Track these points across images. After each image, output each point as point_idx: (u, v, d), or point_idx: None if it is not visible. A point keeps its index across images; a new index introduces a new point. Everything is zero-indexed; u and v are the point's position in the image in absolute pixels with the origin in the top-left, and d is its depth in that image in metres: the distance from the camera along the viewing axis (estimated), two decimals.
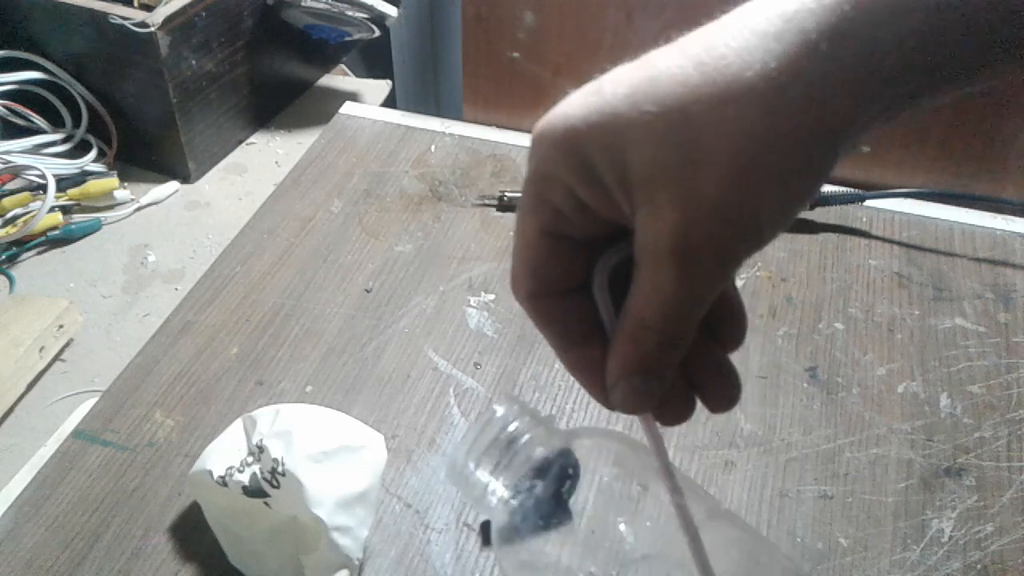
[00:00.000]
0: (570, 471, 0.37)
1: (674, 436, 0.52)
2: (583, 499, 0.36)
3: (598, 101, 0.25)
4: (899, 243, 0.66)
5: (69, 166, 0.75)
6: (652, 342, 0.26)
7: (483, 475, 0.38)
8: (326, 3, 0.79)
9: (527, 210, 0.27)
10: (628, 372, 0.27)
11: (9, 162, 0.72)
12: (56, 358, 0.61)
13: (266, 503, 0.44)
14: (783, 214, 0.25)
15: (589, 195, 0.25)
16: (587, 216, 0.26)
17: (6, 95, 0.75)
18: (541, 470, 0.38)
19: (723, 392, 0.29)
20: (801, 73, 0.23)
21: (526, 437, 0.38)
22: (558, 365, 0.56)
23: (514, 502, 0.37)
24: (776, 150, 0.23)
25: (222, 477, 0.44)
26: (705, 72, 0.23)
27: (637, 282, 0.26)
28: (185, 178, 0.78)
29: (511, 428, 0.38)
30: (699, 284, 0.25)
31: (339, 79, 0.94)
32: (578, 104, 0.25)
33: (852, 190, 0.67)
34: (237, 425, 0.48)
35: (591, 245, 0.28)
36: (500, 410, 0.39)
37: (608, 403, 0.29)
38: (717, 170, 0.23)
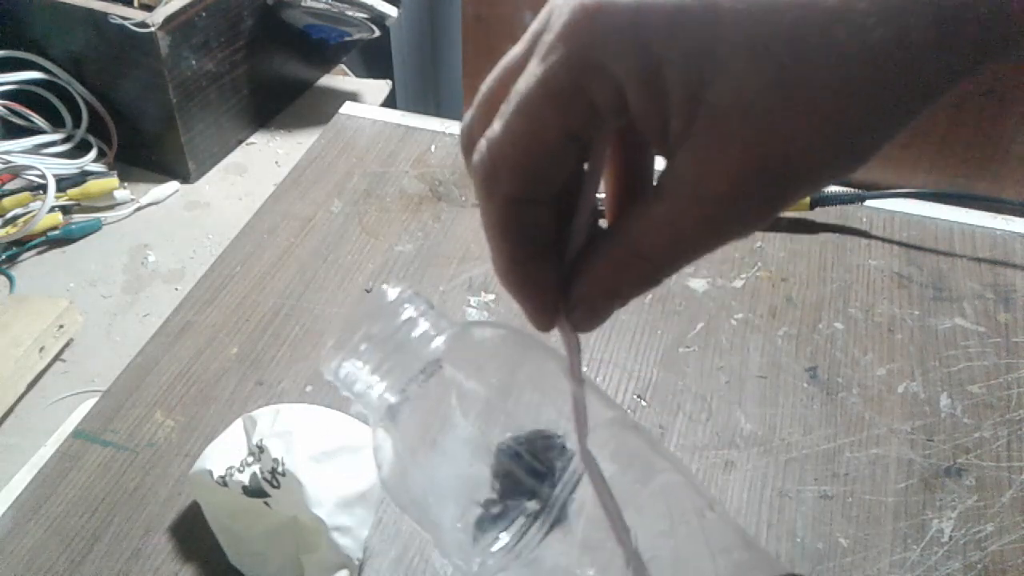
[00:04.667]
0: (571, 470, 0.35)
1: (674, 436, 0.52)
2: (580, 498, 0.36)
3: None
4: (899, 243, 0.66)
5: (69, 166, 0.75)
6: (639, 272, 0.24)
7: (363, 370, 0.31)
8: (326, 3, 0.79)
9: (551, 98, 0.22)
10: (599, 294, 0.25)
11: (9, 162, 0.72)
12: (56, 358, 0.61)
13: (266, 503, 0.44)
14: (836, 177, 0.22)
15: (643, 103, 0.22)
16: (620, 117, 0.22)
17: (6, 95, 0.75)
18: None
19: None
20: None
21: (420, 329, 0.31)
22: None
23: (399, 403, 0.31)
24: (879, 105, 0.20)
25: (222, 477, 0.44)
26: None
27: (649, 207, 0.23)
28: (185, 178, 0.78)
29: (403, 316, 0.31)
30: (728, 235, 0.23)
31: (339, 79, 0.94)
32: None
33: (852, 190, 0.67)
34: (237, 425, 0.48)
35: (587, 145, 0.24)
36: (392, 292, 0.32)
37: (547, 325, 0.26)
38: (814, 124, 0.20)
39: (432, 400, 0.32)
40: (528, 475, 0.30)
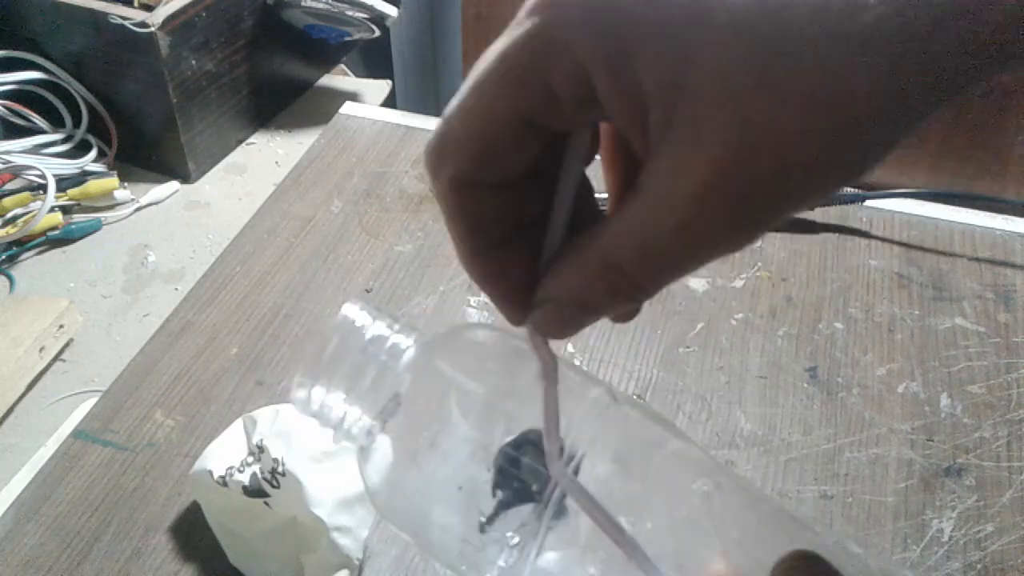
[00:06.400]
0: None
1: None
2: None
3: None
4: (899, 243, 0.66)
5: (69, 166, 0.75)
6: (610, 284, 0.21)
7: (336, 399, 0.29)
8: (326, 3, 0.79)
9: (506, 78, 0.20)
10: (567, 302, 0.23)
11: (9, 162, 0.72)
12: (56, 358, 0.61)
13: (266, 503, 0.44)
14: (832, 183, 0.19)
15: (612, 91, 0.19)
16: (584, 109, 0.20)
17: (6, 95, 0.75)
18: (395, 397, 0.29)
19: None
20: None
21: (389, 343, 0.30)
22: None
23: (378, 431, 0.30)
24: (879, 95, 0.17)
25: (222, 477, 0.44)
26: None
27: (627, 210, 0.20)
28: (185, 178, 0.78)
29: (368, 336, 0.29)
30: (705, 247, 0.20)
31: (339, 79, 0.94)
32: None
33: (852, 190, 0.67)
34: (237, 425, 0.48)
35: (551, 133, 0.21)
36: (353, 311, 0.30)
37: (518, 319, 0.24)
38: (806, 115, 0.18)
39: (415, 416, 0.30)
40: (521, 481, 0.29)
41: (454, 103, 0.21)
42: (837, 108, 0.18)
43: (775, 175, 0.18)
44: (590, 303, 0.23)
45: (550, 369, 0.26)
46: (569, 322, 0.23)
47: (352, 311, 0.30)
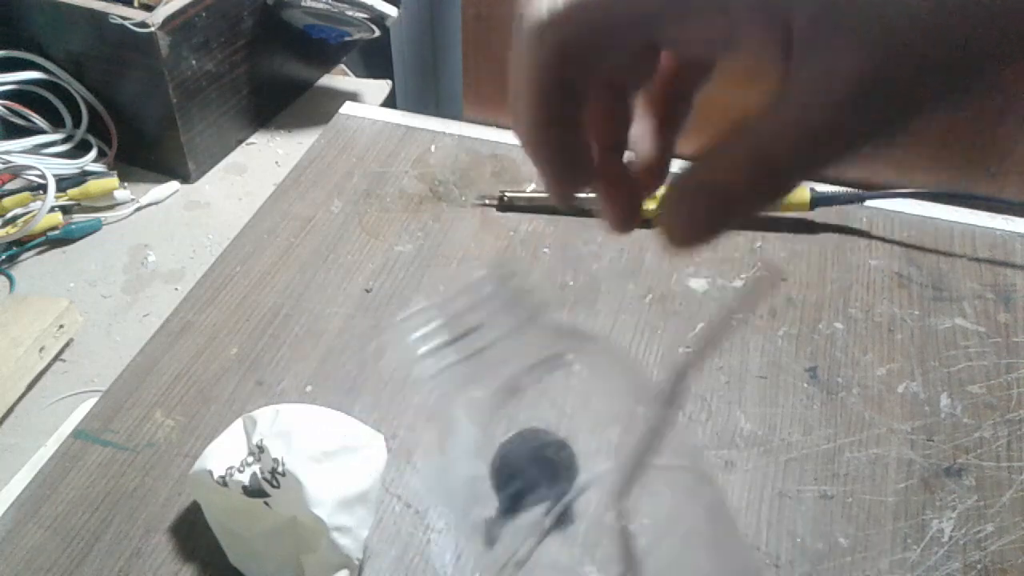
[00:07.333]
0: (564, 468, 0.33)
1: (674, 437, 0.52)
2: (579, 496, 0.35)
3: None
4: (899, 243, 0.66)
5: (69, 166, 0.75)
6: (758, 179, 0.22)
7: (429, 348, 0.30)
8: (326, 3, 0.79)
9: None
10: (707, 199, 0.23)
11: (9, 162, 0.72)
12: (56, 358, 0.61)
13: (266, 503, 0.44)
14: (957, 88, 0.21)
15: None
16: (716, 36, 0.23)
17: (6, 95, 0.75)
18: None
19: None
20: None
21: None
22: None
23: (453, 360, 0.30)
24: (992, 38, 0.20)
25: (222, 477, 0.44)
26: None
27: (775, 111, 0.22)
28: (185, 178, 0.78)
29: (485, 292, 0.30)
30: (860, 139, 0.22)
31: (339, 79, 0.94)
32: None
33: (852, 190, 0.67)
34: (237, 425, 0.48)
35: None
36: (481, 271, 0.30)
37: (628, 227, 0.25)
38: (942, 14, 0.20)
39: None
40: (537, 476, 0.29)
41: None
42: (970, 11, 0.20)
43: (916, 72, 0.20)
44: (732, 198, 0.23)
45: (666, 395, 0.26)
46: (705, 223, 0.24)
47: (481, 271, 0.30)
